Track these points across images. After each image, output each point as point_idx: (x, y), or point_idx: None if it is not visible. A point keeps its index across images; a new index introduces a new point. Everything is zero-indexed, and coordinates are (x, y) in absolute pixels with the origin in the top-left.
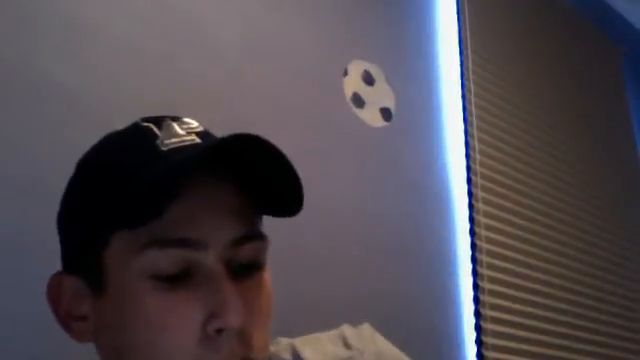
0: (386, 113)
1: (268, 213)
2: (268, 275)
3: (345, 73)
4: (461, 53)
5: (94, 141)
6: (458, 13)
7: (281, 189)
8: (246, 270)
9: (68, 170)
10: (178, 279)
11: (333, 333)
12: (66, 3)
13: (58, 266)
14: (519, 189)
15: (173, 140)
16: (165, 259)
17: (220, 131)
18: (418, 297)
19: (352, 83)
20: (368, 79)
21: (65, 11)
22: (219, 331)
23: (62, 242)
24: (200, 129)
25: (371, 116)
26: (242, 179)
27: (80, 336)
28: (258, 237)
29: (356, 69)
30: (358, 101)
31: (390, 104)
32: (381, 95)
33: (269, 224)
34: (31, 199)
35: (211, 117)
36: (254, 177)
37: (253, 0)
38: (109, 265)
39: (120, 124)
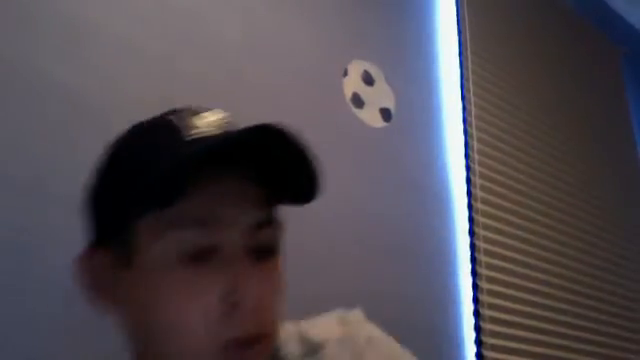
0: (386, 113)
1: (284, 201)
2: (281, 260)
3: (345, 73)
4: (460, 54)
5: (94, 141)
6: (458, 13)
7: (299, 177)
8: (263, 253)
9: (68, 170)
10: (200, 258)
11: (328, 315)
12: (66, 3)
13: (57, 266)
14: (518, 189)
15: (196, 130)
16: (189, 239)
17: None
18: (418, 297)
19: (352, 83)
20: (368, 79)
21: (65, 11)
22: (235, 307)
23: (92, 218)
24: (221, 121)
25: (371, 116)
26: (262, 167)
27: (104, 308)
28: (275, 223)
29: (356, 69)
30: (358, 101)
31: (390, 104)
32: (381, 95)
33: None
34: (31, 199)
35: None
36: (273, 166)
37: (251, 6)
38: (137, 242)
39: (120, 124)
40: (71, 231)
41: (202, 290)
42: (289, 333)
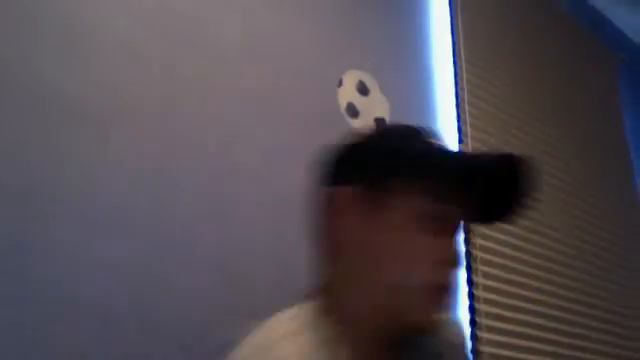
0: (381, 123)
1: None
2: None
3: (340, 83)
4: (455, 63)
5: (93, 146)
6: (452, 22)
7: (508, 204)
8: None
9: (67, 175)
10: (434, 226)
11: None
12: (65, 5)
13: (56, 271)
14: None
15: (442, 144)
16: (430, 209)
17: (216, 133)
18: None
19: (347, 93)
20: (362, 89)
21: (64, 13)
22: (443, 263)
23: (350, 163)
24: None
25: (365, 126)
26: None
27: (339, 227)
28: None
29: (350, 79)
30: (353, 111)
31: (385, 114)
32: (375, 105)
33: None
34: (28, 206)
35: (209, 119)
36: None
37: (251, 7)
38: (391, 193)
39: (120, 127)
40: (69, 238)
41: (427, 246)
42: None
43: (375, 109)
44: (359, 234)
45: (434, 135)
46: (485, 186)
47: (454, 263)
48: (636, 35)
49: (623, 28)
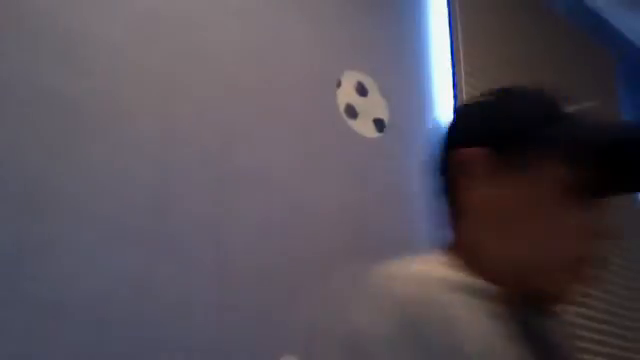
0: (379, 124)
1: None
2: None
3: (338, 84)
4: (453, 64)
5: (92, 148)
6: (450, 23)
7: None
8: None
9: (66, 177)
10: (577, 193)
11: None
12: (63, 13)
13: (54, 275)
14: None
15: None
16: (576, 179)
17: (215, 135)
18: None
19: (345, 94)
20: (361, 90)
21: (62, 21)
22: (595, 235)
23: (493, 121)
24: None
25: (364, 127)
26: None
27: (472, 199)
28: None
29: (349, 80)
30: (351, 112)
31: (383, 115)
32: (374, 106)
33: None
34: (27, 208)
35: (208, 121)
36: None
37: (249, 8)
38: (540, 162)
39: (119, 130)
40: (67, 240)
41: (576, 216)
42: None
43: (374, 110)
44: (498, 201)
45: (567, 101)
46: (633, 155)
47: (602, 236)
48: (634, 36)
49: (621, 29)
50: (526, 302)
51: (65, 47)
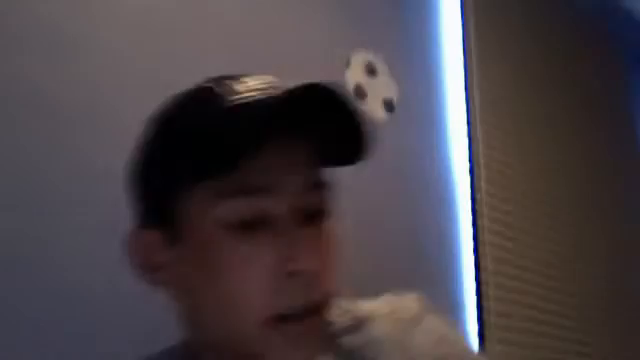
0: (388, 105)
1: (333, 163)
2: (336, 224)
3: (347, 64)
4: (464, 44)
5: (87, 152)
6: (461, 3)
7: (345, 137)
8: (315, 217)
9: (57, 181)
10: (251, 227)
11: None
12: (50, 13)
13: (51, 279)
14: (522, 181)
15: (240, 98)
16: (238, 208)
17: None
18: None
19: (354, 74)
20: (371, 70)
21: (51, 22)
22: (291, 275)
23: (139, 197)
24: (263, 84)
25: (373, 108)
26: (309, 128)
27: (158, 285)
28: (324, 185)
29: (358, 60)
30: (360, 93)
31: (392, 96)
32: (383, 87)
33: None
34: (27, 208)
35: None
36: (321, 125)
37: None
38: (185, 216)
39: (117, 130)
40: (65, 242)
41: (254, 261)
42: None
43: (383, 91)
44: (179, 282)
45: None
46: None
47: (305, 265)
48: None
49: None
50: None
51: (54, 49)
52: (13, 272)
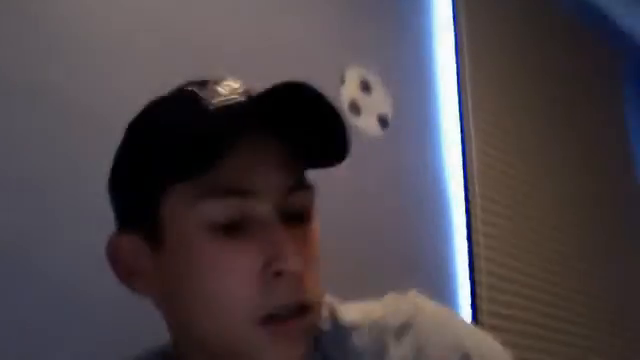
0: (383, 121)
1: (315, 164)
2: (317, 226)
3: (342, 80)
4: (458, 59)
5: (87, 143)
6: (454, 18)
7: (326, 136)
8: (296, 219)
9: (61, 171)
10: (234, 228)
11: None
12: (66, 7)
13: (53, 271)
14: (516, 192)
15: (218, 99)
16: (220, 209)
17: None
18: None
19: (349, 90)
20: (365, 86)
21: (55, 10)
22: (277, 275)
23: (117, 204)
24: (242, 87)
25: (368, 124)
26: (287, 130)
27: (141, 290)
28: (307, 186)
29: (353, 76)
30: (355, 109)
31: (387, 111)
32: (378, 103)
33: None
34: (30, 204)
35: None
36: (301, 125)
37: (250, 5)
38: (166, 219)
39: (116, 125)
40: (68, 235)
41: (239, 262)
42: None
43: (378, 106)
44: (162, 285)
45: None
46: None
47: (291, 265)
48: None
49: (627, 28)
50: None
51: (60, 38)
52: (13, 272)
